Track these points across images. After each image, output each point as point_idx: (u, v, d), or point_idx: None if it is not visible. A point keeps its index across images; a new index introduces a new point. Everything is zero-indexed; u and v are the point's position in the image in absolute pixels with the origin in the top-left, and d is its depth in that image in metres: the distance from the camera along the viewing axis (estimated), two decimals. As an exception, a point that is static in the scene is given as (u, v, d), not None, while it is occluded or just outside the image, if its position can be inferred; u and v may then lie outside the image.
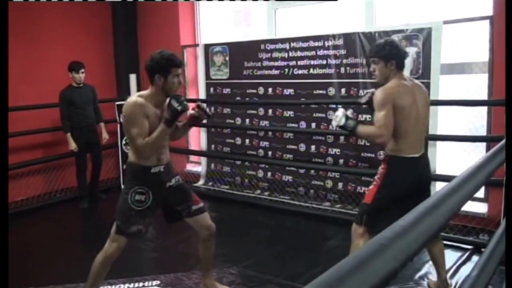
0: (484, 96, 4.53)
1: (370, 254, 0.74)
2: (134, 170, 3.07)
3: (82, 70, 5.65)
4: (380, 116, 2.94)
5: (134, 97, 2.98)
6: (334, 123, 3.15)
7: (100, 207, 6.01)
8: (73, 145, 5.65)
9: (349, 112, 3.16)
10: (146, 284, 3.69)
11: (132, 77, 6.81)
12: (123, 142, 6.64)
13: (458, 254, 4.11)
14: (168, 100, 2.97)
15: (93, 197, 6.05)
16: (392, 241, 0.80)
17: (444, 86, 4.64)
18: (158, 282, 3.70)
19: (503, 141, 1.90)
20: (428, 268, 3.78)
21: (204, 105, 3.17)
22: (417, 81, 3.24)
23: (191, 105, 3.17)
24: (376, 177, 3.17)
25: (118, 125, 6.64)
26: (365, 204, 3.17)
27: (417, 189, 3.02)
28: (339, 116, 3.11)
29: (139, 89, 6.83)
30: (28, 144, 5.94)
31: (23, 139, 5.78)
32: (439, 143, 4.66)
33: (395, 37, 4.67)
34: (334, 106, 5.23)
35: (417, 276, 3.72)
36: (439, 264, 3.35)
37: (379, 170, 3.17)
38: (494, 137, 4.20)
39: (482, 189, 4.65)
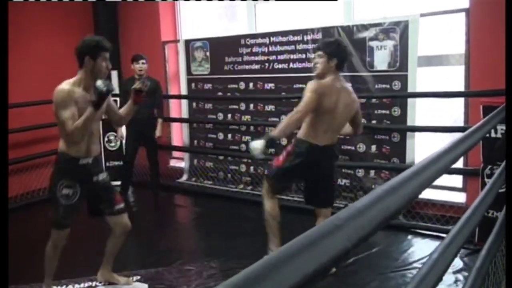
0: (461, 87, 4.59)
1: (322, 234, 0.77)
2: (63, 161, 3.09)
3: (143, 61, 5.43)
4: (304, 102, 3.23)
5: (63, 83, 3.04)
6: (258, 155, 3.22)
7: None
8: (121, 133, 5.72)
9: (264, 139, 3.21)
10: (127, 279, 3.69)
11: (114, 74, 6.77)
12: (106, 139, 6.63)
13: (437, 243, 4.16)
14: (94, 84, 2.99)
15: (154, 195, 5.73)
16: (345, 222, 0.82)
17: (422, 78, 4.70)
18: (139, 277, 3.72)
19: (469, 130, 1.95)
20: (416, 247, 3.85)
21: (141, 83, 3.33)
22: (347, 85, 3.51)
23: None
24: (283, 153, 3.54)
25: (100, 123, 6.60)
26: (275, 167, 3.60)
27: (311, 172, 3.49)
28: (254, 149, 3.21)
29: (120, 86, 6.81)
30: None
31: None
32: (417, 134, 4.73)
33: (373, 30, 4.74)
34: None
35: (404, 256, 3.79)
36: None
37: (288, 147, 3.56)
38: (470, 128, 4.26)
39: (461, 179, 4.72)
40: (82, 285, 3.61)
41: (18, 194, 5.92)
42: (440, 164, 1.38)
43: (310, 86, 3.28)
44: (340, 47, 3.34)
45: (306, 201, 3.81)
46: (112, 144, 6.65)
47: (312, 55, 5.14)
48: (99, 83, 2.93)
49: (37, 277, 3.65)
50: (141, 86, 3.30)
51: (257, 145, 3.19)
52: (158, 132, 5.63)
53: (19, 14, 6.03)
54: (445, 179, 4.56)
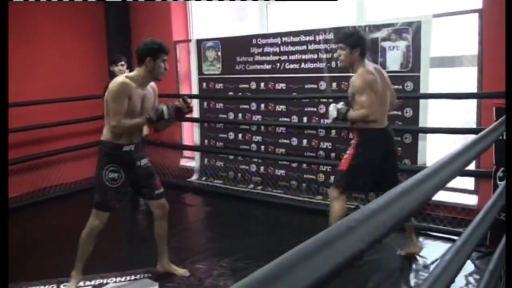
0: (474, 89, 4.56)
1: (336, 235, 0.77)
2: (107, 147, 3.30)
3: (122, 62, 5.26)
4: (364, 99, 3.40)
5: (122, 77, 3.27)
6: (330, 119, 3.62)
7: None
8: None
9: (340, 104, 3.57)
10: (137, 277, 3.71)
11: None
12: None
13: (448, 245, 4.14)
14: (161, 106, 3.26)
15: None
16: (359, 223, 0.82)
17: (435, 79, 4.68)
18: (150, 275, 3.72)
19: (483, 132, 1.93)
20: (428, 249, 3.85)
21: (188, 99, 3.40)
22: (376, 64, 3.78)
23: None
24: (349, 148, 3.63)
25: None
26: (341, 170, 3.62)
27: (384, 156, 3.55)
28: (331, 111, 3.56)
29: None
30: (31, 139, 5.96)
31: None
32: (429, 135, 4.71)
33: (385, 31, 4.72)
34: (325, 100, 5.26)
35: (417, 258, 3.78)
36: (409, 232, 3.84)
37: (352, 141, 3.65)
38: (482, 129, 4.22)
39: (472, 181, 4.69)
40: (93, 282, 3.62)
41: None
42: (454, 166, 1.38)
43: (358, 82, 3.42)
44: (360, 36, 3.53)
45: (378, 188, 3.64)
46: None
47: (324, 56, 5.20)
48: (165, 108, 3.22)
49: (50, 273, 3.70)
50: (185, 107, 3.36)
51: (333, 112, 3.53)
52: (145, 130, 5.46)
53: (32, 17, 6.08)
54: (457, 181, 4.51)
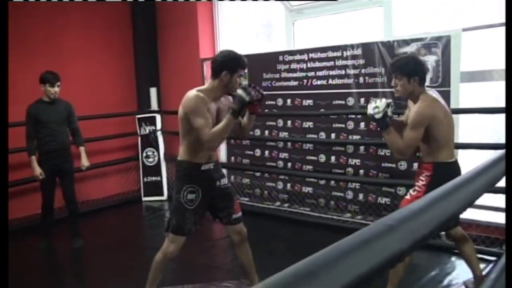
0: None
1: (376, 233, 0.72)
2: (185, 168, 3.14)
3: (59, 83, 4.74)
4: (411, 136, 3.05)
5: (194, 91, 3.05)
6: (371, 111, 3.12)
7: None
8: (37, 171, 4.63)
9: (390, 110, 3.11)
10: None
11: (153, 91, 6.88)
12: (144, 154, 6.70)
13: (482, 265, 4.01)
14: (237, 92, 3.00)
15: (74, 238, 5.04)
16: (399, 223, 0.77)
17: (465, 94, 4.58)
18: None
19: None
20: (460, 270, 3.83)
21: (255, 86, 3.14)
22: (435, 91, 3.34)
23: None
24: (419, 183, 3.19)
25: (139, 138, 6.70)
26: None
27: None
28: (379, 108, 3.09)
29: (159, 102, 6.90)
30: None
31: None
32: (460, 151, 4.59)
33: (414, 46, 4.65)
34: (353, 116, 5.20)
35: (448, 279, 3.72)
36: (472, 263, 3.42)
37: (423, 176, 3.19)
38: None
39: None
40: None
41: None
42: (493, 172, 1.32)
43: (415, 116, 3.07)
44: (417, 64, 3.18)
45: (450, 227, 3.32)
46: (150, 159, 6.71)
47: (352, 71, 5.14)
48: (241, 91, 2.96)
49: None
50: (255, 95, 3.06)
51: (379, 114, 3.07)
52: (86, 162, 5.01)
53: (61, 32, 6.19)
54: (488, 199, 4.39)
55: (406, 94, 3.19)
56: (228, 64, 3.04)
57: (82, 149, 5.00)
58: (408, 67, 3.12)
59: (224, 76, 3.03)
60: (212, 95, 3.06)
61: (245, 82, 3.12)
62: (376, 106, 3.10)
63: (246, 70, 5.86)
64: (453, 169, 3.16)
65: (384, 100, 3.13)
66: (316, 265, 0.61)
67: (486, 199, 3.82)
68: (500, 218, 4.49)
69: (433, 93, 3.24)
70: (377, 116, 3.09)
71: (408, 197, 3.25)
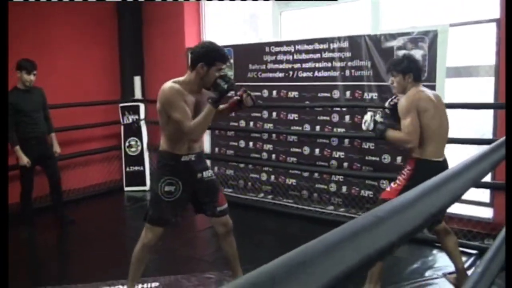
0: (490, 99, 4.48)
1: (365, 225, 0.70)
2: (164, 158, 3.07)
3: (35, 72, 4.74)
4: (407, 123, 3.13)
5: (170, 82, 2.97)
6: (364, 127, 3.36)
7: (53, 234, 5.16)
8: (25, 159, 4.64)
9: (378, 116, 3.32)
10: (145, 285, 3.64)
11: (137, 79, 6.80)
12: (127, 144, 6.63)
13: (463, 259, 4.04)
14: (214, 80, 2.92)
15: (60, 221, 5.17)
16: (389, 214, 0.75)
17: (451, 89, 4.60)
18: (157, 284, 3.66)
19: (496, 143, 1.85)
20: (442, 262, 3.85)
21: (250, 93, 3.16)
22: (435, 91, 3.52)
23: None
24: (401, 177, 3.28)
25: (122, 127, 6.63)
26: (383, 200, 3.18)
27: None
28: (367, 121, 3.32)
29: (143, 91, 6.83)
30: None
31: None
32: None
33: (401, 40, 4.65)
34: (338, 109, 5.19)
35: (429, 272, 3.77)
36: (455, 256, 3.47)
37: (405, 171, 3.28)
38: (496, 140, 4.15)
39: (488, 194, 4.59)
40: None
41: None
42: (481, 166, 1.31)
43: (403, 103, 3.18)
44: (411, 61, 3.32)
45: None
46: (133, 149, 6.64)
47: (338, 64, 5.13)
48: (221, 81, 2.88)
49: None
50: (249, 100, 3.12)
51: (370, 124, 3.29)
52: (57, 148, 5.08)
53: (47, 25, 6.07)
54: (472, 194, 4.42)
55: (402, 91, 3.31)
56: (205, 56, 2.91)
57: (53, 135, 5.09)
58: (403, 65, 3.28)
59: (200, 68, 2.92)
60: (188, 87, 2.96)
61: (230, 73, 3.07)
62: (365, 121, 3.33)
63: (232, 61, 5.97)
64: (436, 169, 3.08)
65: (368, 113, 3.36)
66: (306, 257, 0.58)
67: (469, 193, 3.85)
68: (481, 212, 4.54)
69: (430, 92, 3.34)
70: (370, 128, 3.29)
71: (388, 189, 3.38)
